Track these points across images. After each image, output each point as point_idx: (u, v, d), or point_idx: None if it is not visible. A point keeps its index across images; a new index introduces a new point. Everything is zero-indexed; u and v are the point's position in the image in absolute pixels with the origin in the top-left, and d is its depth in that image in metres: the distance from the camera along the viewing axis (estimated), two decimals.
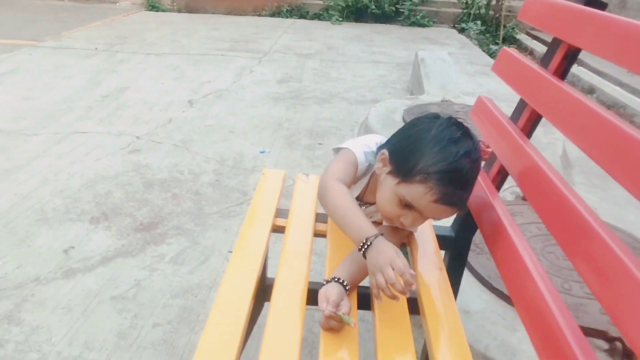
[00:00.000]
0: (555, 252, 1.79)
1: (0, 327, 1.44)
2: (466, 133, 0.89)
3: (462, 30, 6.65)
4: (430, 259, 0.98)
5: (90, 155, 2.56)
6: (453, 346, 0.84)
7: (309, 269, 0.99)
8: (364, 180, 1.06)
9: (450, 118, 0.92)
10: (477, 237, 1.85)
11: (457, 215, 1.13)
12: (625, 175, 0.63)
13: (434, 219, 0.93)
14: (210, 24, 6.27)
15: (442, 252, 1.12)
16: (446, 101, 3.54)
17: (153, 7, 7.16)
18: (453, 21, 7.07)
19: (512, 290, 0.81)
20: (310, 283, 0.96)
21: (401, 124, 2.51)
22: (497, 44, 6.03)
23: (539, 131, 3.11)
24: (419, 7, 6.99)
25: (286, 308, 0.88)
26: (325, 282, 0.90)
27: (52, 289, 1.61)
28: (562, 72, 0.85)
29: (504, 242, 0.84)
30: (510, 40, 6.34)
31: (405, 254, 1.12)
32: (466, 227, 1.05)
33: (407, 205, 0.89)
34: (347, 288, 0.89)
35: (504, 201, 2.18)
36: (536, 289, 0.72)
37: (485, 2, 6.72)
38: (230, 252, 1.84)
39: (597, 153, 0.70)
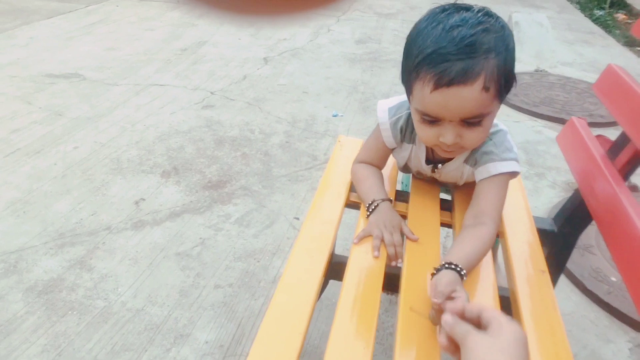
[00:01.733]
0: None
1: (72, 272, 1.49)
2: (458, 7, 0.76)
3: None
4: (529, 259, 0.83)
5: (165, 108, 2.58)
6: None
7: (385, 253, 0.88)
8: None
9: (441, 5, 0.79)
10: None
11: (564, 206, 0.95)
12: None
13: (459, 115, 0.77)
14: None
15: None
16: (541, 71, 3.20)
17: None
18: None
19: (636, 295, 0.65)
20: (387, 267, 0.86)
21: None
22: (602, 8, 5.35)
23: None
24: None
25: (360, 290, 0.79)
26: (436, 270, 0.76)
27: (122, 239, 1.64)
28: None
29: (637, 246, 0.67)
30: (619, 4, 5.61)
31: (497, 243, 0.98)
32: (575, 220, 0.88)
33: (430, 120, 0.80)
34: (463, 274, 0.74)
35: None
36: None
37: None
38: (297, 218, 1.77)
39: None
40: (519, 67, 3.22)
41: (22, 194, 1.84)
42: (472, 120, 0.78)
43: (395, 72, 3.21)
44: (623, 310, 1.31)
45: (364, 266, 0.84)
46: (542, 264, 0.82)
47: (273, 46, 3.61)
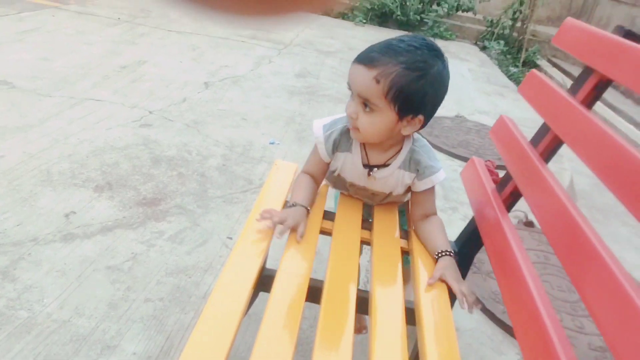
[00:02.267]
0: (551, 281, 1.80)
1: None
2: (430, 49, 0.96)
3: (483, 48, 6.64)
4: (431, 270, 0.98)
5: (101, 123, 2.56)
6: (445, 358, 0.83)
7: (311, 265, 0.99)
8: (354, 145, 1.12)
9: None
10: (475, 257, 1.85)
11: (462, 231, 1.13)
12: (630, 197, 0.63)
13: (355, 88, 0.97)
14: None
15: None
16: (460, 117, 3.54)
17: None
18: (476, 38, 7.06)
19: (513, 315, 0.81)
20: (311, 280, 0.96)
21: None
22: (517, 66, 6.01)
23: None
24: (444, 20, 6.98)
25: (285, 301, 0.88)
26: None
27: (50, 250, 1.62)
28: (590, 101, 0.85)
29: (510, 264, 0.83)
30: (530, 64, 6.32)
31: (407, 262, 1.12)
32: (471, 243, 1.05)
33: (350, 93, 1.01)
34: (453, 254, 1.03)
35: None
36: (538, 316, 0.72)
37: (510, 23, 6.71)
38: (229, 238, 1.84)
39: (615, 185, 0.70)
40: (441, 112, 3.55)
41: None
42: (365, 102, 0.97)
43: (332, 106, 3.42)
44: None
45: (290, 279, 0.94)
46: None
47: (214, 72, 3.70)
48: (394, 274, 1.00)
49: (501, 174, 1.13)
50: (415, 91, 0.93)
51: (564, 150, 3.13)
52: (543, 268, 1.86)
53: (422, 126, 1.02)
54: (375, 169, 1.11)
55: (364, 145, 1.10)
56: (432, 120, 3.31)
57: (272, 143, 2.69)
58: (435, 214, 1.14)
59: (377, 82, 0.93)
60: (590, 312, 0.64)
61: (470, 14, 7.12)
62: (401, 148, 1.10)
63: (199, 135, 2.62)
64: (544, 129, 0.93)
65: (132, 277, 1.57)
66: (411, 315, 0.95)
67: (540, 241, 2.01)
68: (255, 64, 4.07)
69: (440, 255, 1.02)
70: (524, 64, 6.19)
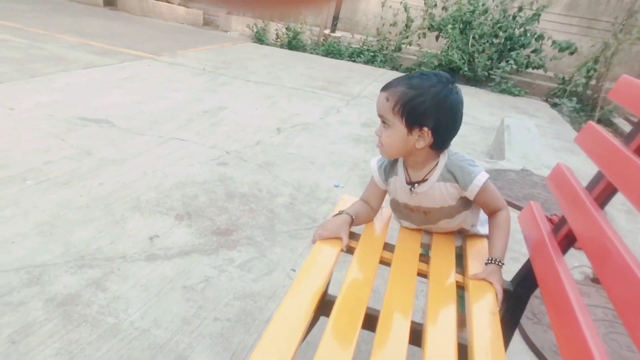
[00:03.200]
0: (619, 340, 1.73)
1: (89, 290, 1.65)
2: (437, 76, 1.15)
3: (554, 105, 6.55)
4: (485, 304, 1.03)
5: (184, 160, 2.84)
6: None
7: (369, 293, 1.07)
8: (399, 167, 1.29)
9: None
10: (537, 307, 1.83)
11: (518, 271, 1.17)
12: None
13: (377, 107, 1.17)
14: (307, 62, 6.69)
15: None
16: (526, 170, 3.52)
17: (259, 40, 7.78)
18: (546, 95, 6.98)
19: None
20: (368, 308, 1.03)
21: None
22: None
23: (621, 217, 2.99)
24: (513, 76, 6.99)
25: (342, 327, 0.94)
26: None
27: (135, 267, 1.81)
28: None
29: (564, 303, 0.87)
30: (606, 122, 6.14)
31: (462, 297, 1.18)
32: (525, 282, 1.09)
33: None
34: (501, 265, 1.15)
35: None
36: None
37: (584, 81, 6.60)
38: (293, 270, 1.95)
39: None
40: (506, 165, 3.55)
41: (49, 217, 2.04)
42: (383, 120, 1.16)
43: None
44: None
45: (349, 305, 1.01)
46: (495, 309, 1.02)
47: (286, 119, 3.96)
48: (449, 309, 1.05)
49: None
50: (416, 105, 1.12)
51: None
52: (611, 326, 1.80)
53: (439, 145, 1.19)
54: (417, 184, 1.25)
55: (405, 167, 1.27)
56: (495, 173, 3.31)
57: (337, 186, 2.82)
58: (501, 209, 1.24)
59: (387, 100, 1.14)
60: None
61: (540, 71, 7.10)
62: (437, 164, 1.23)
63: (270, 175, 2.82)
64: (598, 176, 0.99)
65: (204, 297, 1.71)
66: (464, 352, 0.99)
67: (608, 298, 1.94)
68: (324, 113, 4.31)
69: (489, 262, 1.15)
70: (599, 122, 6.01)
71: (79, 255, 1.83)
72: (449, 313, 1.02)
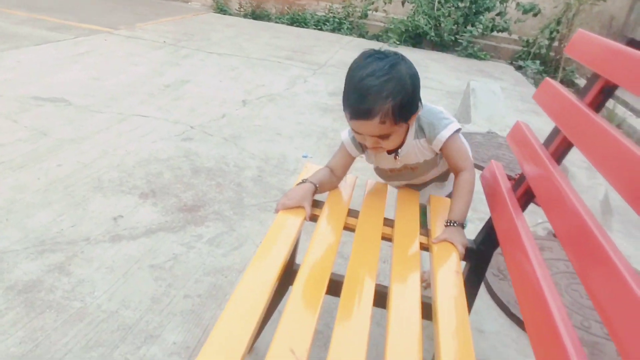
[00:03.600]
0: (580, 290, 1.80)
1: (52, 275, 1.60)
2: (378, 57, 1.08)
3: (519, 68, 6.62)
4: (448, 264, 1.04)
5: (147, 137, 2.75)
6: (459, 354, 0.86)
7: (333, 260, 1.06)
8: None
9: (369, 50, 1.12)
10: (503, 264, 1.88)
11: (481, 229, 1.18)
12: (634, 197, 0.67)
13: (367, 134, 1.13)
14: (272, 31, 6.53)
15: (463, 264, 1.18)
16: (491, 133, 3.56)
17: (221, 10, 7.52)
18: (511, 58, 7.04)
19: (526, 314, 0.85)
20: (332, 274, 1.03)
21: None
22: None
23: (582, 174, 3.07)
24: (478, 40, 7.01)
25: (306, 295, 0.93)
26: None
27: (99, 249, 1.76)
28: (597, 105, 0.91)
29: (523, 253, 0.89)
30: (568, 83, 6.25)
31: (424, 214, 1.24)
32: (488, 241, 1.11)
33: (358, 133, 1.15)
34: (463, 225, 1.17)
35: (535, 236, 2.19)
36: (550, 318, 0.72)
37: (547, 43, 6.67)
38: None
39: (619, 184, 0.75)
40: (472, 128, 3.59)
41: (5, 202, 1.95)
42: (380, 136, 1.12)
43: None
44: None
45: (312, 273, 1.00)
46: (458, 267, 1.03)
47: (251, 90, 3.88)
48: (414, 270, 1.06)
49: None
50: (406, 104, 1.10)
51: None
52: (572, 277, 1.87)
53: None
54: (399, 150, 1.27)
55: None
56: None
57: (305, 157, 2.80)
58: (464, 169, 1.24)
59: (384, 122, 1.09)
60: (603, 319, 0.64)
61: (505, 34, 7.13)
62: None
63: (236, 148, 2.77)
64: (555, 132, 0.99)
65: (173, 275, 1.69)
66: (428, 311, 1.00)
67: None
68: (290, 83, 4.23)
69: (448, 224, 1.16)
70: (562, 82, 6.12)
71: (38, 240, 1.76)
72: (414, 274, 1.03)
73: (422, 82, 1.18)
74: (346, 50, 6.03)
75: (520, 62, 6.70)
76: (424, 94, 1.16)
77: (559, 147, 0.97)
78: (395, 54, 1.13)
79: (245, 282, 0.93)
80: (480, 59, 6.80)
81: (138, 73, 3.91)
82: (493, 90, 4.01)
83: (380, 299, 1.01)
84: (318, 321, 0.88)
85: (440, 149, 1.24)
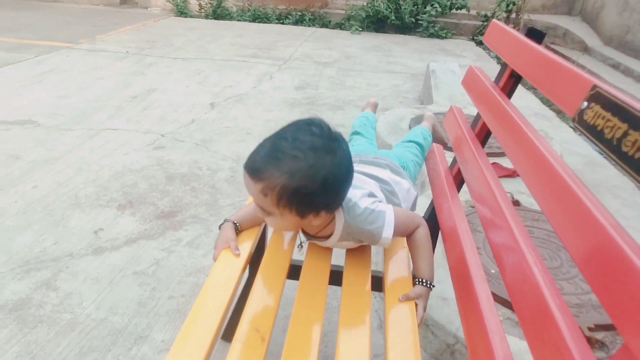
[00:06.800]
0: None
1: (40, 292, 1.69)
2: (314, 132, 0.92)
3: (480, 43, 6.79)
4: (397, 240, 1.17)
5: (119, 150, 2.82)
6: (404, 319, 0.96)
7: (292, 248, 1.18)
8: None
9: (316, 119, 0.96)
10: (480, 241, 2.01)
11: (429, 205, 1.31)
12: (539, 187, 0.75)
13: (250, 194, 0.96)
14: (235, 30, 6.56)
15: None
16: None
17: (182, 13, 7.51)
18: (472, 34, 7.21)
19: (454, 277, 0.98)
20: (292, 260, 1.15)
21: (407, 131, 2.69)
22: None
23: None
24: (439, 19, 7.15)
25: (269, 281, 1.04)
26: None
27: (84, 263, 1.85)
28: (508, 91, 1.03)
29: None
30: None
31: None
32: (434, 215, 1.23)
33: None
34: (431, 287, 1.05)
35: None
36: (468, 273, 0.86)
37: (505, 16, 6.85)
38: None
39: (522, 168, 0.84)
40: (435, 108, 3.73)
41: None
42: (261, 207, 0.96)
43: (330, 114, 3.63)
44: (497, 293, 1.67)
45: (274, 259, 1.11)
46: (405, 242, 1.15)
47: (219, 92, 3.95)
48: (365, 251, 1.18)
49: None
50: (304, 197, 0.91)
51: (555, 133, 3.25)
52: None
53: (334, 209, 1.02)
54: (316, 238, 1.13)
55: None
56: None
57: None
58: (417, 227, 1.10)
59: (265, 195, 0.91)
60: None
61: (464, 11, 7.29)
62: (334, 223, 1.06)
63: (208, 152, 2.86)
64: (477, 117, 1.12)
65: (156, 279, 1.79)
66: (378, 283, 1.11)
67: (525, 218, 2.17)
68: (257, 82, 4.31)
69: (419, 282, 1.04)
70: None
71: (23, 260, 1.84)
72: (364, 252, 1.16)
73: (386, 66, 1.15)
74: (310, 42, 6.11)
75: (481, 38, 6.88)
76: (389, 78, 1.15)
77: (480, 133, 1.09)
78: (338, 142, 0.94)
79: (215, 270, 1.04)
80: (442, 37, 6.95)
81: (104, 87, 3.94)
82: (452, 69, 4.16)
83: (335, 277, 1.11)
84: (279, 304, 1.00)
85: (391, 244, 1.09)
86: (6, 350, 1.45)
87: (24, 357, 1.43)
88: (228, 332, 1.38)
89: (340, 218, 1.04)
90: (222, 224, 1.18)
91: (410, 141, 1.64)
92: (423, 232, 1.10)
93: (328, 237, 1.08)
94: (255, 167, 0.91)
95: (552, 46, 6.73)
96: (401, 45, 6.31)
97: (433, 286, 1.05)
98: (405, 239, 1.16)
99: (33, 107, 3.41)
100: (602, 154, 3.29)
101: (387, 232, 1.04)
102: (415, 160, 1.51)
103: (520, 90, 4.43)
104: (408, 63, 5.33)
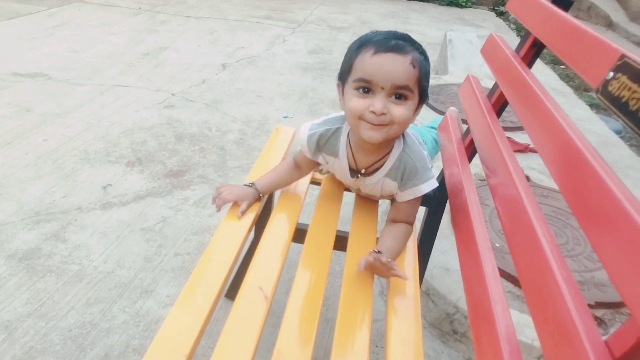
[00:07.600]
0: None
1: (49, 243, 1.71)
2: (397, 34, 0.95)
3: (501, 14, 6.58)
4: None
5: (129, 107, 2.81)
6: (406, 286, 0.96)
7: (300, 211, 1.18)
8: (340, 147, 1.08)
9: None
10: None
11: (437, 175, 1.29)
12: (557, 162, 0.71)
13: (390, 79, 0.90)
14: None
15: (423, 209, 1.30)
16: None
17: None
18: (493, 3, 6.98)
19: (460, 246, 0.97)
20: (298, 224, 1.15)
21: None
22: None
23: None
24: None
25: (274, 243, 1.04)
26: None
27: (92, 217, 1.87)
28: (528, 61, 0.99)
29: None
30: None
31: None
32: (442, 187, 1.22)
33: (364, 89, 0.92)
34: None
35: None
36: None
37: None
38: None
39: (535, 135, 0.82)
40: (449, 79, 3.65)
41: None
42: (400, 92, 0.91)
43: None
44: (502, 267, 1.68)
45: (280, 223, 1.11)
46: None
47: (231, 53, 3.89)
48: (372, 216, 1.18)
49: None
50: (427, 74, 0.96)
51: (571, 110, 3.22)
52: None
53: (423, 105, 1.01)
54: (362, 175, 1.09)
55: (351, 149, 1.07)
56: (438, 88, 3.42)
57: (286, 117, 2.88)
58: (409, 223, 1.09)
59: (414, 66, 0.91)
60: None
61: None
62: (391, 150, 1.04)
63: (218, 113, 2.84)
64: (495, 87, 1.08)
65: (163, 236, 1.81)
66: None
67: (534, 194, 2.15)
68: (269, 44, 4.23)
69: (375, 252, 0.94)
70: None
71: (33, 211, 1.86)
72: (371, 219, 1.15)
73: None
74: (325, 5, 5.96)
75: (502, 8, 6.66)
76: None
77: (497, 103, 1.06)
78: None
79: (219, 234, 1.04)
80: (462, 6, 6.74)
81: (116, 42, 3.89)
82: (470, 39, 4.04)
83: (340, 242, 1.11)
84: (283, 265, 1.00)
85: (404, 200, 1.07)
86: (17, 296, 1.49)
87: (34, 304, 1.47)
88: (232, 291, 1.41)
89: (398, 146, 1.04)
90: (247, 184, 1.16)
91: (432, 127, 1.62)
92: (410, 229, 1.09)
93: (375, 171, 1.06)
94: (398, 45, 0.91)
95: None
96: (419, 13, 6.14)
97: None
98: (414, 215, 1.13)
99: (45, 60, 3.39)
100: (619, 132, 3.22)
101: (427, 187, 1.04)
102: (433, 143, 1.48)
103: (538, 64, 4.32)
104: (425, 31, 5.20)
